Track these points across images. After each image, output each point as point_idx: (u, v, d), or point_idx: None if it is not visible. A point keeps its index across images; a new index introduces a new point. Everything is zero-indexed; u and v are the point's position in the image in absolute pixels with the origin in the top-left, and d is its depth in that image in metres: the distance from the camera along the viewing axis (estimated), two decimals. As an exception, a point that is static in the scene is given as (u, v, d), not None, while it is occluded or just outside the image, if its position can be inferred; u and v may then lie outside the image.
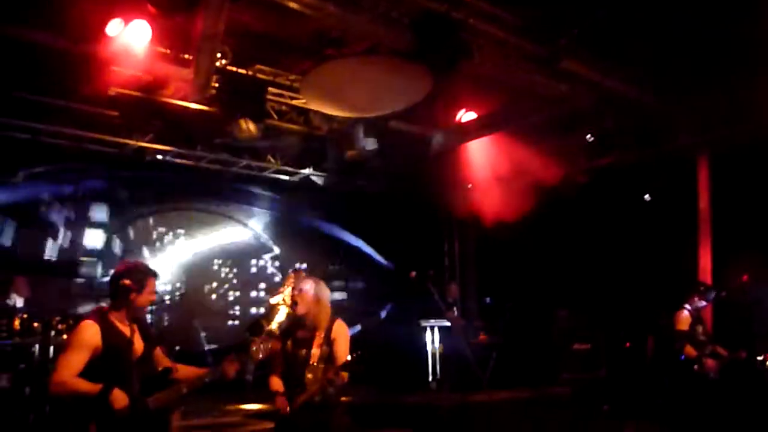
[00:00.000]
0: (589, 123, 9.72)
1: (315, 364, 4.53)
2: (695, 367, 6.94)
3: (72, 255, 10.28)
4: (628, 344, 9.25)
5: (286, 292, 8.84)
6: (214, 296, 11.74)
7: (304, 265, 12.12)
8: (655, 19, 7.08)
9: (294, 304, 4.72)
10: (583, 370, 9.28)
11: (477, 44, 7.15)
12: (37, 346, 7.10)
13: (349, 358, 4.52)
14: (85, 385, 3.59)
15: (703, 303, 7.37)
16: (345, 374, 4.41)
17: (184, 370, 4.12)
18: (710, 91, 8.22)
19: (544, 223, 9.57)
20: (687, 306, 7.24)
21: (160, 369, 3.99)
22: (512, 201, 10.01)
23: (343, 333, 4.72)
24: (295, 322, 4.83)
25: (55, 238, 10.16)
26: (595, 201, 9.24)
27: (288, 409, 4.50)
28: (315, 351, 4.57)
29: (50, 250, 10.09)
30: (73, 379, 3.58)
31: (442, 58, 6.75)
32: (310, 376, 4.49)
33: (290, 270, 9.82)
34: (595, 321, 9.63)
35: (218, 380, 4.06)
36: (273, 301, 8.77)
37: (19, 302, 8.05)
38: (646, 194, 9.70)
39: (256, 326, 8.55)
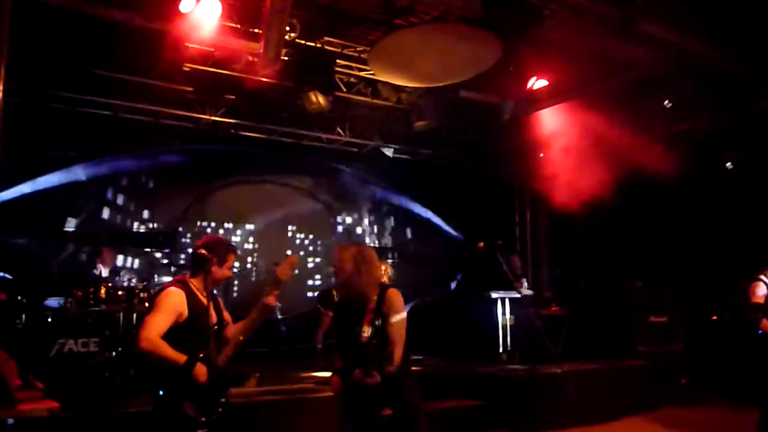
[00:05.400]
0: (667, 88, 9.36)
1: (366, 342, 4.12)
2: None
3: (149, 228, 10.66)
4: (714, 317, 8.95)
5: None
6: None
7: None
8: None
9: (334, 273, 4.33)
10: (660, 342, 9.07)
11: (548, 9, 6.96)
12: (121, 313, 7.43)
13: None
14: (172, 353, 3.66)
15: None
16: (389, 368, 4.00)
17: (234, 324, 4.18)
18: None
19: (619, 193, 9.29)
20: (763, 277, 6.89)
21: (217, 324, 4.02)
22: (585, 170, 9.77)
23: (395, 305, 4.23)
24: (348, 294, 4.38)
25: (131, 211, 10.56)
26: (672, 169, 8.89)
27: (340, 390, 4.24)
28: (366, 328, 4.15)
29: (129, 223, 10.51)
30: (160, 340, 3.67)
31: (511, 24, 6.60)
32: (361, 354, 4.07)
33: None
34: (673, 293, 9.35)
35: (267, 315, 4.01)
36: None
37: (105, 272, 8.45)
38: (727, 162, 9.29)
39: (326, 297, 8.75)
